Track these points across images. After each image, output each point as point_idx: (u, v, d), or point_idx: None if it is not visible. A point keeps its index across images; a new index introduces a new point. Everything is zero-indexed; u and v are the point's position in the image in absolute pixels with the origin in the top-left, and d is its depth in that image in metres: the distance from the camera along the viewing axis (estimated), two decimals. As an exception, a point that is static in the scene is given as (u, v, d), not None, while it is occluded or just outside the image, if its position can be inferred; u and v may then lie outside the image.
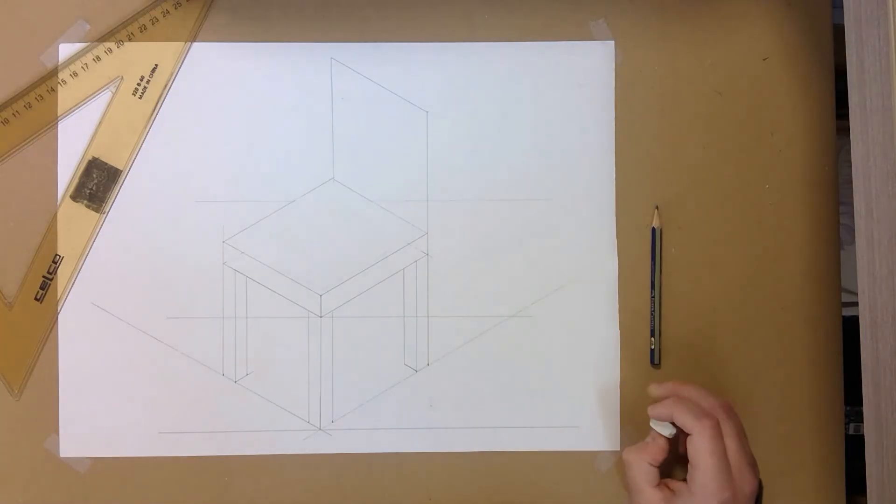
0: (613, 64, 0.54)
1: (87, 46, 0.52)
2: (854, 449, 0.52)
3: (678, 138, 0.54)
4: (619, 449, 0.53)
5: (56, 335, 0.52)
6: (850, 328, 0.49)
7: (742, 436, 0.48)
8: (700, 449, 0.46)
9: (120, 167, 0.52)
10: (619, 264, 0.53)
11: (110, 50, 0.52)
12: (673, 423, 0.48)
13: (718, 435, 0.46)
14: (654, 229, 0.53)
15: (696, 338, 0.53)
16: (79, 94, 0.52)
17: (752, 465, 0.47)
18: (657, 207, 0.53)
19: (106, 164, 0.52)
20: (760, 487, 0.48)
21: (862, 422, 0.47)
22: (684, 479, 0.47)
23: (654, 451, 0.48)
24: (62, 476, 0.52)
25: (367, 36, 0.53)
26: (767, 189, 0.54)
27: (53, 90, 0.52)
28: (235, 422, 0.52)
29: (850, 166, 0.46)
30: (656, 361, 0.53)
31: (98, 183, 0.52)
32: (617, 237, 0.53)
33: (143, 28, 0.52)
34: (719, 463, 0.45)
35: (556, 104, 0.53)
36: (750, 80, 0.54)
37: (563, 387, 0.53)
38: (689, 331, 0.53)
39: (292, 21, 0.53)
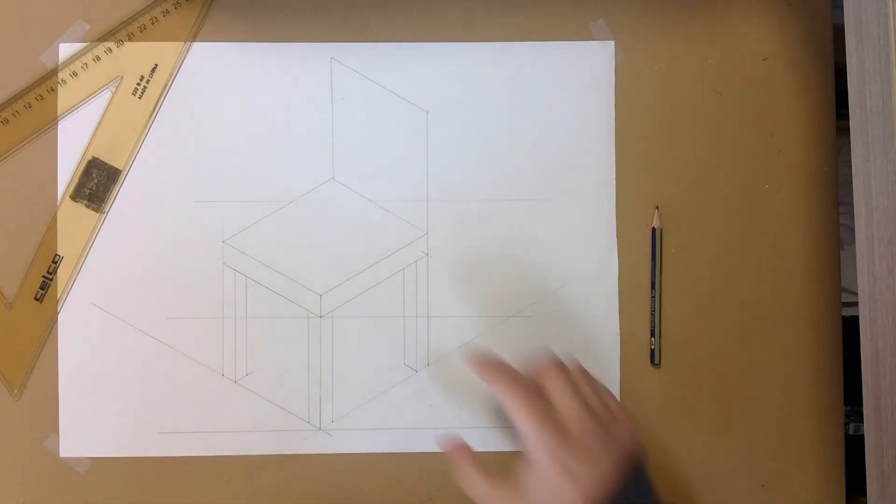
0: (613, 64, 0.54)
1: (87, 46, 0.52)
2: (854, 449, 0.52)
3: (678, 138, 0.54)
4: (619, 449, 0.53)
5: (56, 335, 0.52)
6: (850, 328, 0.49)
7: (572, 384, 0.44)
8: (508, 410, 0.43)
9: (120, 167, 0.52)
10: (619, 264, 0.53)
11: (110, 50, 0.52)
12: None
13: (516, 390, 0.43)
14: (654, 229, 0.53)
15: (696, 338, 0.53)
16: (78, 94, 0.52)
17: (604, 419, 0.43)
18: (657, 207, 0.53)
19: (106, 164, 0.52)
20: (640, 449, 0.44)
21: (862, 422, 0.47)
22: None
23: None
24: (62, 476, 0.52)
25: (367, 36, 0.53)
26: (767, 189, 0.54)
27: (53, 90, 0.52)
28: (235, 422, 0.52)
29: (850, 166, 0.46)
30: (656, 361, 0.53)
31: (98, 183, 0.52)
32: (617, 237, 0.53)
33: (142, 28, 0.52)
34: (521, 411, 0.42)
35: (556, 104, 0.53)
36: (750, 80, 0.54)
37: (563, 387, 0.53)
38: (689, 331, 0.53)
39: (292, 21, 0.53)
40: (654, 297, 0.53)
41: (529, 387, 0.43)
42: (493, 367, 0.45)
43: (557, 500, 0.41)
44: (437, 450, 0.53)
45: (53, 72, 0.52)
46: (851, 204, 0.47)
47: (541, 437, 0.42)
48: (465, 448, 0.46)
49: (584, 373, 0.46)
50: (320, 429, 0.52)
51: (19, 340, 0.52)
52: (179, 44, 0.52)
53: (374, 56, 0.53)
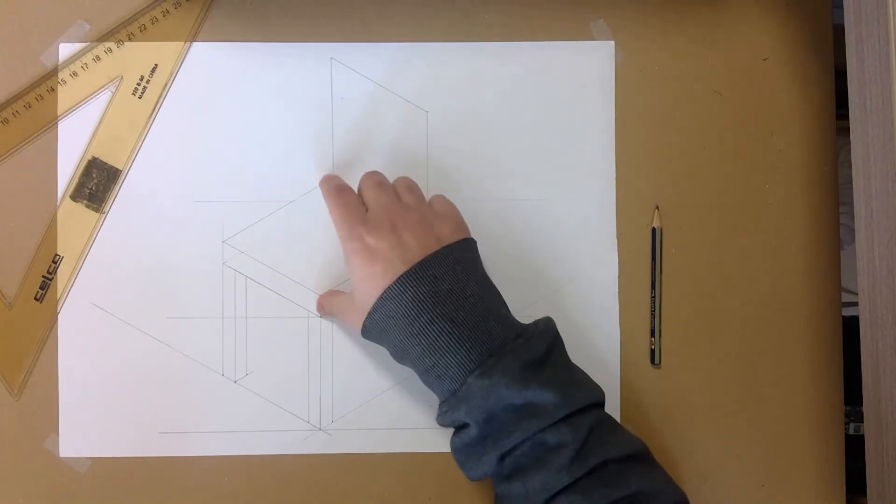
0: (613, 64, 0.54)
1: (87, 46, 0.52)
2: (854, 449, 0.52)
3: (678, 138, 0.54)
4: (619, 449, 0.53)
5: (56, 335, 0.52)
6: (850, 328, 0.49)
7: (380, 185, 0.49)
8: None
9: (120, 167, 0.52)
10: (619, 264, 0.53)
11: (110, 50, 0.52)
12: None
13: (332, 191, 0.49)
14: (654, 229, 0.53)
15: (696, 338, 0.53)
16: (79, 94, 0.52)
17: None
18: (657, 207, 0.53)
19: (106, 163, 0.52)
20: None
21: (862, 422, 0.47)
22: None
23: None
24: (62, 476, 0.52)
25: (367, 36, 0.53)
26: (767, 189, 0.54)
27: (53, 90, 0.52)
28: (235, 422, 0.52)
29: (850, 166, 0.46)
30: (656, 361, 0.53)
31: (98, 183, 0.52)
32: (617, 237, 0.53)
33: (142, 28, 0.52)
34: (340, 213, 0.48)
35: (556, 104, 0.53)
36: (750, 81, 0.54)
37: (563, 387, 0.53)
38: (689, 331, 0.53)
39: (292, 21, 0.53)
40: (654, 297, 0.53)
41: (352, 198, 0.48)
42: (328, 183, 0.50)
43: (368, 278, 0.45)
44: (438, 450, 0.53)
45: (53, 72, 0.52)
46: (851, 204, 0.47)
47: (346, 224, 0.47)
48: (322, 296, 0.52)
49: (406, 179, 0.50)
50: (320, 429, 0.52)
51: (19, 340, 0.52)
52: (179, 44, 0.52)
53: (374, 56, 0.53)
